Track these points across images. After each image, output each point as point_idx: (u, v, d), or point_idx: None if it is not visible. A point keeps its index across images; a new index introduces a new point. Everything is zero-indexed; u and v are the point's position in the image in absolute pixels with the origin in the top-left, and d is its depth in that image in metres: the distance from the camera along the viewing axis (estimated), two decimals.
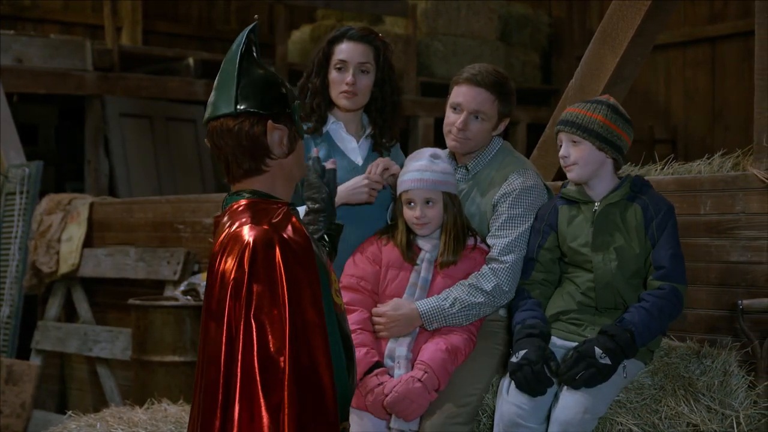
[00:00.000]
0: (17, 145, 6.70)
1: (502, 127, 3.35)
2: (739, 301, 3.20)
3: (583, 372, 2.88)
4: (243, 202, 2.21)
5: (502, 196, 3.22)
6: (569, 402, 2.90)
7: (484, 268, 3.17)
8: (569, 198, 3.20)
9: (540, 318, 3.08)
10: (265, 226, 2.11)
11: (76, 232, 6.10)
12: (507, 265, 3.15)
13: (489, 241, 3.22)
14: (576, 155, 3.11)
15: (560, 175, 4.14)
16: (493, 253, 3.19)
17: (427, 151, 3.24)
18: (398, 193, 3.22)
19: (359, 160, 3.38)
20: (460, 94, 3.26)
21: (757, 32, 3.55)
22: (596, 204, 3.13)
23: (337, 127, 3.39)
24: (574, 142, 3.11)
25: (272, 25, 9.30)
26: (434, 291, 3.17)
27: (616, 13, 4.06)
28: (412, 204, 3.17)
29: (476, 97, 3.24)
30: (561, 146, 3.16)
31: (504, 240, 3.18)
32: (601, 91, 4.07)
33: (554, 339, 3.08)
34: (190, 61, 8.06)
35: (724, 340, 3.35)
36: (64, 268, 6.06)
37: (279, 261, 2.06)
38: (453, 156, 3.41)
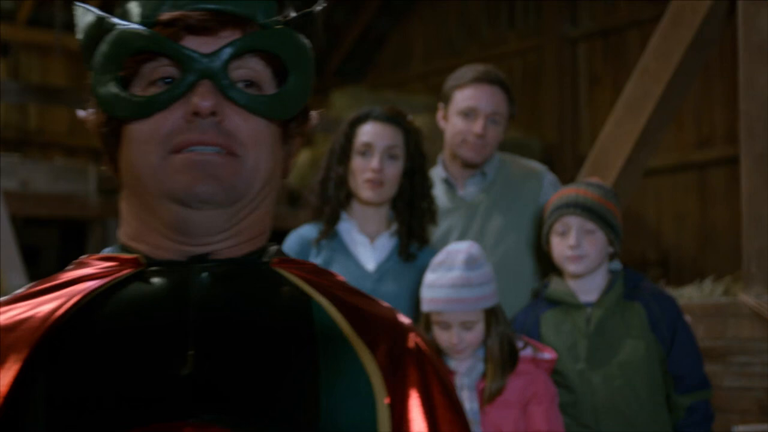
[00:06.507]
0: (18, 266, 6.74)
1: None
2: (733, 428, 3.19)
3: None
4: None
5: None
6: None
7: None
8: (555, 300, 2.65)
9: None
10: None
11: None
12: None
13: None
14: (589, 247, 2.60)
15: None
16: None
17: (460, 255, 2.45)
18: (424, 309, 2.47)
19: (371, 265, 2.69)
20: (471, 97, 2.79)
21: (742, 161, 3.58)
22: (588, 309, 2.61)
23: (349, 227, 2.73)
24: (588, 231, 2.61)
25: None
26: (489, 424, 2.40)
27: (606, 141, 4.06)
28: (445, 325, 2.44)
29: (493, 96, 2.79)
30: (563, 232, 2.63)
31: None
32: None
33: None
34: None
35: None
36: None
37: None
38: (464, 165, 2.94)
